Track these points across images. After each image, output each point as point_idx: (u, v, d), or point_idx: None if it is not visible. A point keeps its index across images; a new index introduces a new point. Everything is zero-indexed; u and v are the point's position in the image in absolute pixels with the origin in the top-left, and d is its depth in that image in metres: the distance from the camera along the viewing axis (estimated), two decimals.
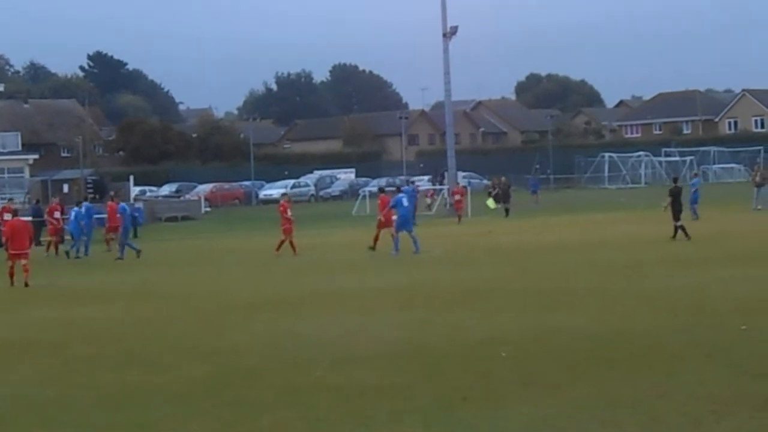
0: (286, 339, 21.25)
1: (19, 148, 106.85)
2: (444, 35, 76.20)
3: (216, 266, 38.49)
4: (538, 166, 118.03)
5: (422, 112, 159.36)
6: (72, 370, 18.95)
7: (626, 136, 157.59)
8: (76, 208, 48.25)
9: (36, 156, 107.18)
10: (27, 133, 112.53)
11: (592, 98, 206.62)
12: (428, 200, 79.68)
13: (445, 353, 18.58)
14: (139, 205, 68.52)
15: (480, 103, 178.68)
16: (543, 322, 22.12)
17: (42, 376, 18.55)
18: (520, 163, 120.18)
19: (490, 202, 61.42)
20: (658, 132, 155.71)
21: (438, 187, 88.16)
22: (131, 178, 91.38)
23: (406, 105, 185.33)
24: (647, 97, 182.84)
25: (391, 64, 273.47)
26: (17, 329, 24.66)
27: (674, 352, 18.20)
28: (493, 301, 25.66)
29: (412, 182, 64.46)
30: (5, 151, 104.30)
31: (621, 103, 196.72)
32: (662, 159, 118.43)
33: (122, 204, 47.86)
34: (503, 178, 72.95)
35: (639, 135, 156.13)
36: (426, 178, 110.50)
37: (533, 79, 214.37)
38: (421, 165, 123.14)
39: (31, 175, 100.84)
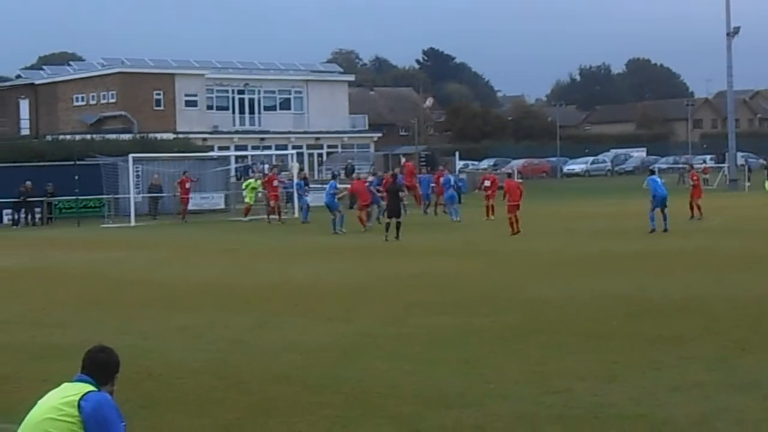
0: (585, 293, 21.18)
1: (366, 127, 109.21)
2: (728, 34, 74.03)
3: (524, 228, 38.52)
4: None
5: (706, 100, 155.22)
6: (409, 313, 19.36)
7: None
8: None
9: (379, 134, 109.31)
10: (372, 115, 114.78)
11: None
12: (705, 176, 78.09)
13: (724, 309, 18.19)
14: (463, 176, 69.07)
15: (758, 92, 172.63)
16: None
17: (384, 317, 19.02)
18: None
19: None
20: None
21: (714, 165, 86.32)
22: (457, 153, 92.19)
23: (691, 93, 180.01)
24: None
25: (680, 57, 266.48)
26: (366, 277, 25.31)
27: None
28: None
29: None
30: (355, 130, 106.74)
31: None
32: None
33: (447, 175, 48.85)
34: None
35: None
36: (708, 157, 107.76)
37: None
38: (705, 146, 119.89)
39: (375, 151, 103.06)
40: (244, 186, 52.68)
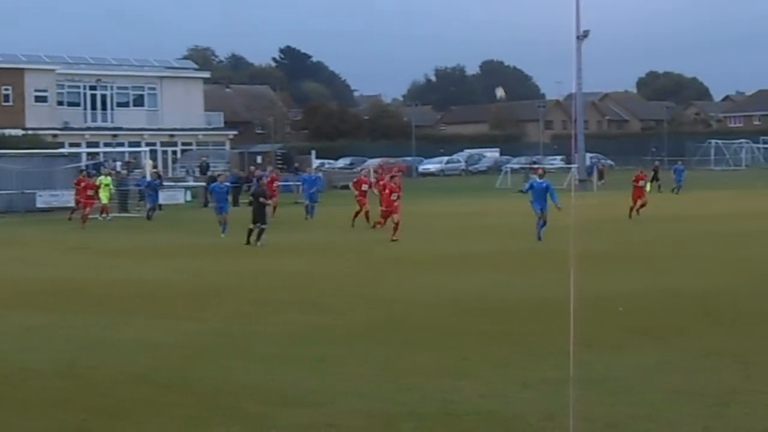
0: (440, 291, 21.37)
1: (222, 125, 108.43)
2: (577, 38, 75.37)
3: (383, 227, 38.63)
4: (654, 150, 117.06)
5: (557, 102, 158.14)
6: (263, 311, 19.30)
7: (730, 126, 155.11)
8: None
9: (235, 132, 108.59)
10: (228, 113, 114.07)
11: (702, 93, 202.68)
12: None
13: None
14: (319, 174, 69.12)
15: (606, 95, 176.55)
16: (655, 283, 21.93)
17: (238, 315, 18.92)
18: (639, 147, 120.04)
19: (648, 186, 61.05)
20: (757, 123, 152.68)
21: (564, 165, 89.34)
22: (313, 152, 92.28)
23: (543, 95, 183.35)
24: (750, 92, 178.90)
25: (532, 60, 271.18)
26: (220, 276, 25.14)
27: None
28: (614, 264, 25.49)
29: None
30: (210, 127, 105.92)
31: (727, 97, 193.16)
32: (761, 146, 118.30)
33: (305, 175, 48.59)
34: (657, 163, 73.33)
35: (741, 125, 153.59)
36: (559, 158, 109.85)
37: (652, 76, 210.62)
38: (555, 147, 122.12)
39: (231, 148, 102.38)
40: (97, 184, 51.56)
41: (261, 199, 34.26)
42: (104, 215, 48.81)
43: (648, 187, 64.36)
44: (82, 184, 47.22)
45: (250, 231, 33.63)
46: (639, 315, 17.79)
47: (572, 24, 75.21)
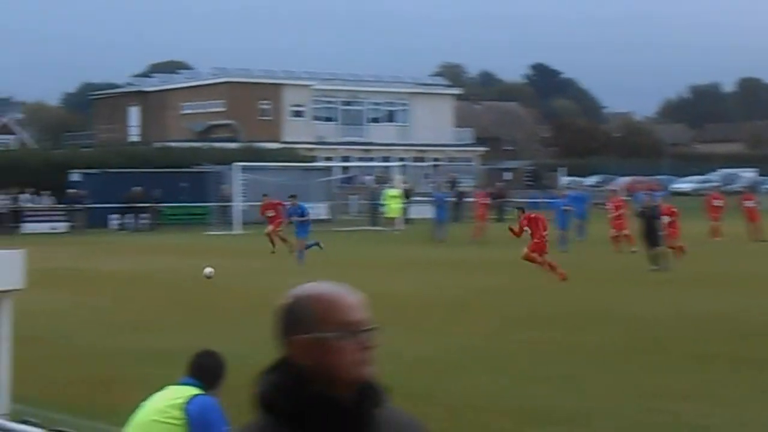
0: (683, 311, 20.77)
1: (471, 141, 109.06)
2: None
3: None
4: None
5: None
6: (510, 328, 19.26)
7: None
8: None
9: (486, 149, 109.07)
10: (477, 129, 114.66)
11: None
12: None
13: None
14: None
15: None
16: None
17: (484, 331, 18.95)
18: None
19: None
20: None
21: None
22: (563, 169, 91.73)
23: None
24: None
25: None
26: (469, 291, 25.18)
27: None
28: None
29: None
30: (460, 143, 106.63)
31: None
32: None
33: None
34: None
35: None
36: None
37: None
38: None
39: (481, 164, 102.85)
40: (385, 197, 52.40)
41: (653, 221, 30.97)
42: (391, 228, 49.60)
43: None
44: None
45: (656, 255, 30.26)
46: None
47: None
